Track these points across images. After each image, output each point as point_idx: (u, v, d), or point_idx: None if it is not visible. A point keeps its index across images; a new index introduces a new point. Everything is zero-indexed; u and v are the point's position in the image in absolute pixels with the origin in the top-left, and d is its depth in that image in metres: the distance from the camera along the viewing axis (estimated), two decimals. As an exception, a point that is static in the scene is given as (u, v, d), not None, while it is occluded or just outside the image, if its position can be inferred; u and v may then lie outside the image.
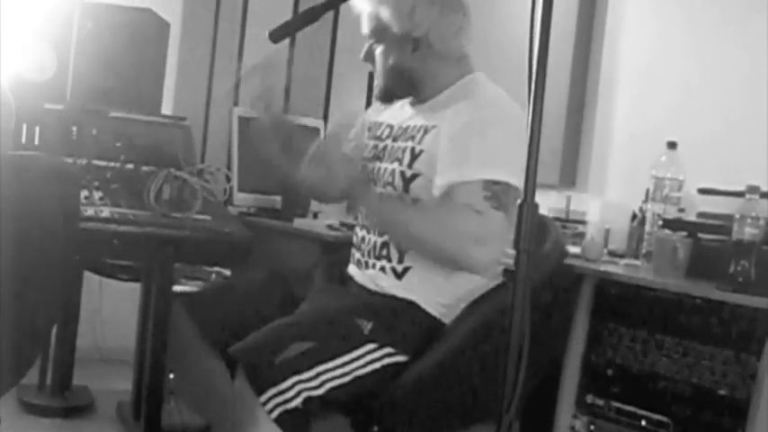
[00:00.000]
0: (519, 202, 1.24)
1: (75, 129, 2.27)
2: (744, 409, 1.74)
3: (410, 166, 1.76)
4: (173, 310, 1.98)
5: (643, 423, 1.92)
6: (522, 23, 1.30)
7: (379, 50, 1.83)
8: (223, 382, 1.69)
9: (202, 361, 1.85)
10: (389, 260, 1.78)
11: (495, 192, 1.63)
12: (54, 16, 2.49)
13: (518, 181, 1.55)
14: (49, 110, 2.27)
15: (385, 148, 1.85)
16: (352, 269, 1.89)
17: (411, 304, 1.74)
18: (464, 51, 1.84)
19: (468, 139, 1.68)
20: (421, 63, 1.81)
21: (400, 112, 1.90)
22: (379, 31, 1.80)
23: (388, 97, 1.88)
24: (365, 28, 1.83)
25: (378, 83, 1.87)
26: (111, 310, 3.23)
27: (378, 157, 1.85)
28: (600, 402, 2.00)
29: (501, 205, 1.63)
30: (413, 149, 1.77)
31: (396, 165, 1.78)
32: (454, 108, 1.75)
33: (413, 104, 1.89)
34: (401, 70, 1.81)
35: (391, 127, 1.89)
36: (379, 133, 1.91)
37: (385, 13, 1.77)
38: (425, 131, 1.77)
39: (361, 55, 1.87)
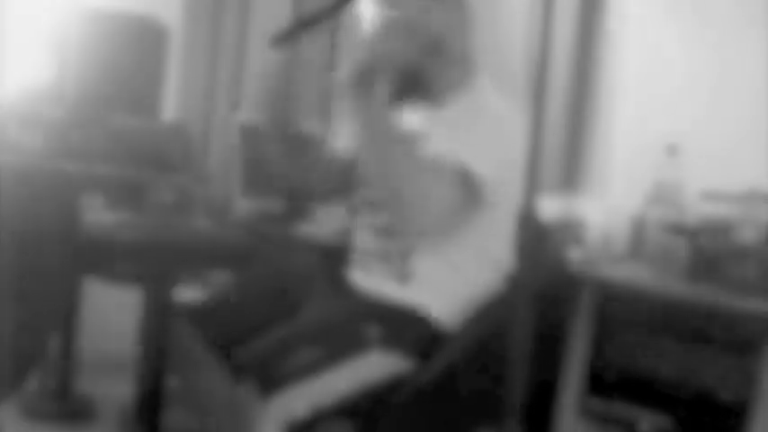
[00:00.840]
0: (519, 209, 1.25)
1: (75, 135, 2.27)
2: (744, 413, 1.74)
3: None
4: (175, 324, 1.97)
5: (644, 426, 1.92)
6: (522, 27, 1.30)
7: (386, 52, 1.80)
8: (224, 395, 1.68)
9: (204, 374, 1.85)
10: (394, 264, 1.78)
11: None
12: (54, 22, 2.49)
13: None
14: (50, 116, 2.27)
15: None
16: (353, 274, 1.89)
17: (416, 310, 1.74)
18: (469, 50, 1.84)
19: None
20: (430, 62, 1.80)
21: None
22: (393, 30, 1.79)
23: (397, 101, 1.86)
24: (368, 31, 1.82)
25: (383, 88, 1.83)
26: (112, 315, 3.23)
27: None
28: (601, 406, 2.00)
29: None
30: None
31: None
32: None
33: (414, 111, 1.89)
34: (413, 70, 1.80)
35: None
36: None
37: (403, 12, 1.77)
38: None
39: (351, 79, 1.78)
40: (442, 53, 1.80)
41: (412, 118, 1.89)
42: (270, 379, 1.55)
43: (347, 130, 2.06)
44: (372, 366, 1.65)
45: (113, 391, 3.00)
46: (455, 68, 1.83)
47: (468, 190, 1.65)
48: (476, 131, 1.71)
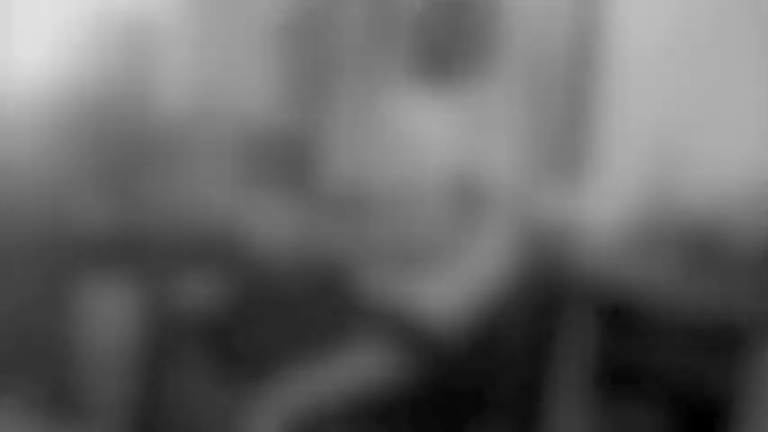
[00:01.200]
0: (519, 206, 1.25)
1: (66, 133, 2.27)
2: (740, 412, 1.75)
3: None
4: (173, 323, 1.98)
5: (641, 425, 1.92)
6: (521, 24, 1.30)
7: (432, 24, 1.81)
8: (217, 393, 1.69)
9: (199, 372, 1.86)
10: (392, 262, 1.78)
11: None
12: (53, 22, 2.49)
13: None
14: (48, 114, 2.27)
15: None
16: (352, 273, 1.89)
17: (412, 309, 1.74)
18: (499, 38, 1.84)
19: None
20: (461, 41, 1.80)
21: None
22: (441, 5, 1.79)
23: (417, 73, 1.87)
24: None
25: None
26: (111, 312, 3.24)
27: None
28: (597, 405, 2.00)
29: None
30: None
31: None
32: None
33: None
34: (442, 43, 1.80)
35: None
36: None
37: None
38: None
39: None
40: (476, 36, 1.80)
41: (417, 115, 1.89)
42: (263, 378, 1.56)
43: (348, 123, 2.06)
44: (366, 366, 1.65)
45: (113, 391, 3.01)
46: (481, 55, 1.82)
47: (472, 205, 1.65)
48: (489, 127, 1.70)
